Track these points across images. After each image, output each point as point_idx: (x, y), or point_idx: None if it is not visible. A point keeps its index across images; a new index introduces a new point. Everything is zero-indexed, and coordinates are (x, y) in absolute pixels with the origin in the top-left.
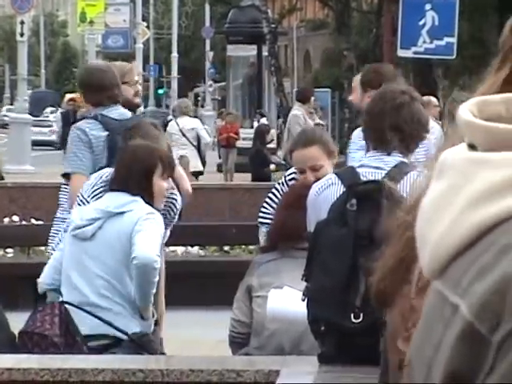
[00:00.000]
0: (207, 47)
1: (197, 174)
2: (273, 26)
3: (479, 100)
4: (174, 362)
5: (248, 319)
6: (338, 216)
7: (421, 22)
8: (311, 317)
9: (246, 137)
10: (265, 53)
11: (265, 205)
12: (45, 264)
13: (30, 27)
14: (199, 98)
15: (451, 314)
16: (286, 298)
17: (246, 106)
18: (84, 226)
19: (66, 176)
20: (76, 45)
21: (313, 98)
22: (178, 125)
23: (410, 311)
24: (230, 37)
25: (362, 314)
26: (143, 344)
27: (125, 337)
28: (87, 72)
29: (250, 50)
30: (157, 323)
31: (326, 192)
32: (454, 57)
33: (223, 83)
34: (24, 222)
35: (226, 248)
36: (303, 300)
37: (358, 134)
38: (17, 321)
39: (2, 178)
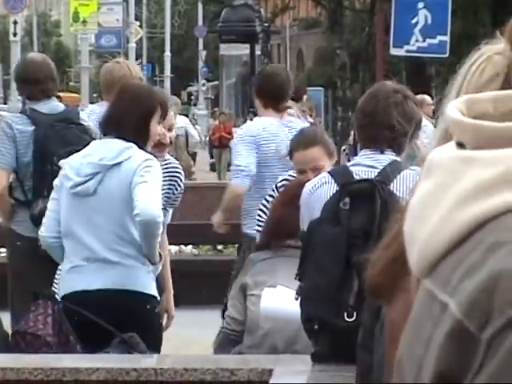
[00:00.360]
0: (200, 46)
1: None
2: (266, 24)
3: (467, 98)
4: (167, 361)
5: (242, 317)
6: (331, 215)
7: (413, 21)
8: (304, 316)
9: None
10: (258, 52)
11: (258, 217)
12: None
13: (22, 27)
14: (192, 97)
15: (440, 312)
16: (279, 297)
17: (238, 104)
18: (84, 182)
19: None
20: (69, 44)
21: (305, 97)
22: None
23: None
24: (223, 36)
25: (355, 313)
26: (132, 345)
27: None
28: (23, 65)
29: (243, 49)
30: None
31: (319, 191)
32: (446, 55)
33: (216, 82)
34: None
35: (220, 247)
36: (296, 299)
37: None
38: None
39: None
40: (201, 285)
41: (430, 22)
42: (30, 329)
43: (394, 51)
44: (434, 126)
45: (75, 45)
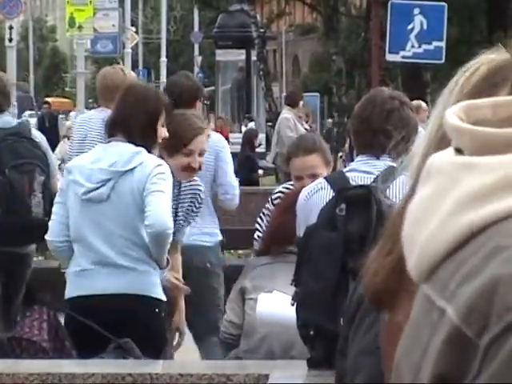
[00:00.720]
0: (196, 52)
1: None
2: (261, 30)
3: (466, 104)
4: (163, 366)
5: (240, 321)
6: (327, 221)
7: (409, 27)
8: (300, 321)
9: (234, 141)
10: (253, 57)
11: (257, 226)
12: (34, 270)
13: (18, 32)
14: None
15: (438, 318)
16: (275, 303)
17: (234, 110)
18: (96, 189)
19: None
20: (65, 50)
21: (301, 103)
22: None
23: None
24: (219, 41)
25: None
26: (127, 350)
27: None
28: None
29: (239, 55)
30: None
31: (315, 196)
32: (442, 61)
33: (212, 88)
34: None
35: None
36: (292, 304)
37: None
38: None
39: None
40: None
41: (425, 27)
42: (25, 334)
43: (389, 57)
44: None
45: (71, 50)
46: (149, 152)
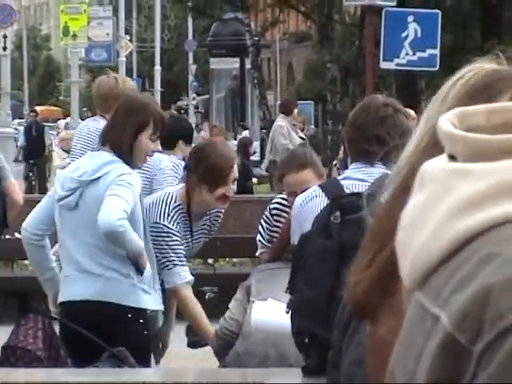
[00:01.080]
0: (190, 60)
1: None
2: (255, 38)
3: (459, 111)
4: (157, 374)
5: (243, 320)
6: (321, 228)
7: (403, 34)
8: (295, 329)
9: None
10: (248, 65)
11: (260, 229)
12: (29, 278)
13: (12, 41)
14: (182, 111)
15: (432, 325)
16: (270, 311)
17: (229, 118)
18: (67, 197)
19: None
20: (59, 58)
21: (296, 111)
22: None
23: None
24: (213, 50)
25: None
26: (122, 359)
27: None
28: None
29: (233, 63)
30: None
31: (309, 204)
32: (436, 68)
33: (206, 96)
34: (8, 236)
35: (210, 261)
36: (287, 312)
37: None
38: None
39: None
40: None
41: (419, 35)
42: (20, 343)
43: (383, 65)
44: None
45: (65, 59)
46: (127, 162)
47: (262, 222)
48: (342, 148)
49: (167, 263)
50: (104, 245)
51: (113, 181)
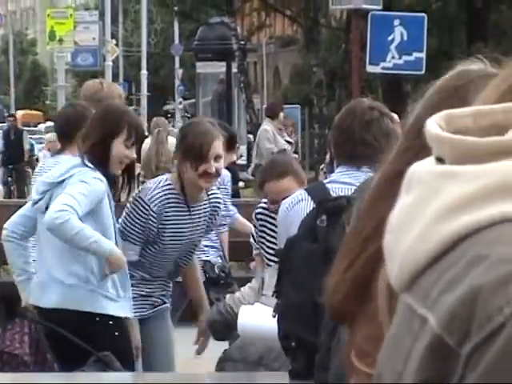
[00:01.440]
0: (177, 64)
1: None
2: (242, 42)
3: (447, 113)
4: (148, 378)
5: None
6: (308, 232)
7: (389, 38)
8: (282, 333)
9: None
10: (234, 69)
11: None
12: (15, 283)
13: None
14: (169, 115)
15: (419, 326)
16: (256, 315)
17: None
18: (39, 200)
19: None
20: (45, 63)
21: (282, 114)
22: None
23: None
24: (199, 54)
25: None
26: (107, 363)
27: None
28: None
29: (219, 67)
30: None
31: (296, 208)
32: (423, 72)
33: (193, 100)
34: None
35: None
36: (274, 316)
37: None
38: None
39: None
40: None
41: (406, 38)
42: (6, 348)
43: (370, 68)
44: None
45: (51, 63)
46: (98, 168)
47: (252, 225)
48: (329, 152)
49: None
50: (70, 248)
51: (71, 181)
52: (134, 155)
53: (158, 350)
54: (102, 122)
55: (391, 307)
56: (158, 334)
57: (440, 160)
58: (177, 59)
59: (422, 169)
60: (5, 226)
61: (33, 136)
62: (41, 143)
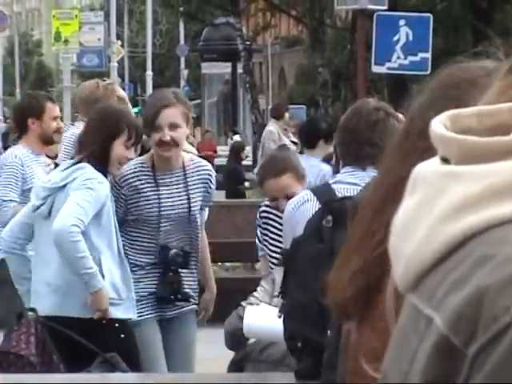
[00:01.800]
0: (182, 65)
1: None
2: (247, 43)
3: (452, 113)
4: (149, 379)
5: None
6: (314, 232)
7: (395, 38)
8: (288, 333)
9: (221, 154)
10: (239, 70)
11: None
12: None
13: (4, 47)
14: None
15: (425, 326)
16: (262, 315)
17: (221, 123)
18: (41, 205)
19: None
20: (51, 64)
21: (287, 115)
22: None
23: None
24: (205, 54)
25: None
26: (114, 364)
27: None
28: None
29: (225, 68)
30: None
31: (301, 208)
32: (428, 72)
33: (198, 101)
34: None
35: (228, 264)
36: (280, 317)
37: None
38: None
39: None
40: None
41: (411, 39)
42: (12, 348)
43: (375, 69)
44: None
45: (57, 64)
46: (98, 169)
47: (257, 225)
48: (334, 152)
49: None
50: None
51: (74, 187)
52: (133, 156)
53: (177, 352)
54: (101, 123)
55: (398, 308)
56: (179, 337)
57: (445, 160)
58: (182, 60)
59: (427, 169)
60: (3, 235)
61: None
62: None
